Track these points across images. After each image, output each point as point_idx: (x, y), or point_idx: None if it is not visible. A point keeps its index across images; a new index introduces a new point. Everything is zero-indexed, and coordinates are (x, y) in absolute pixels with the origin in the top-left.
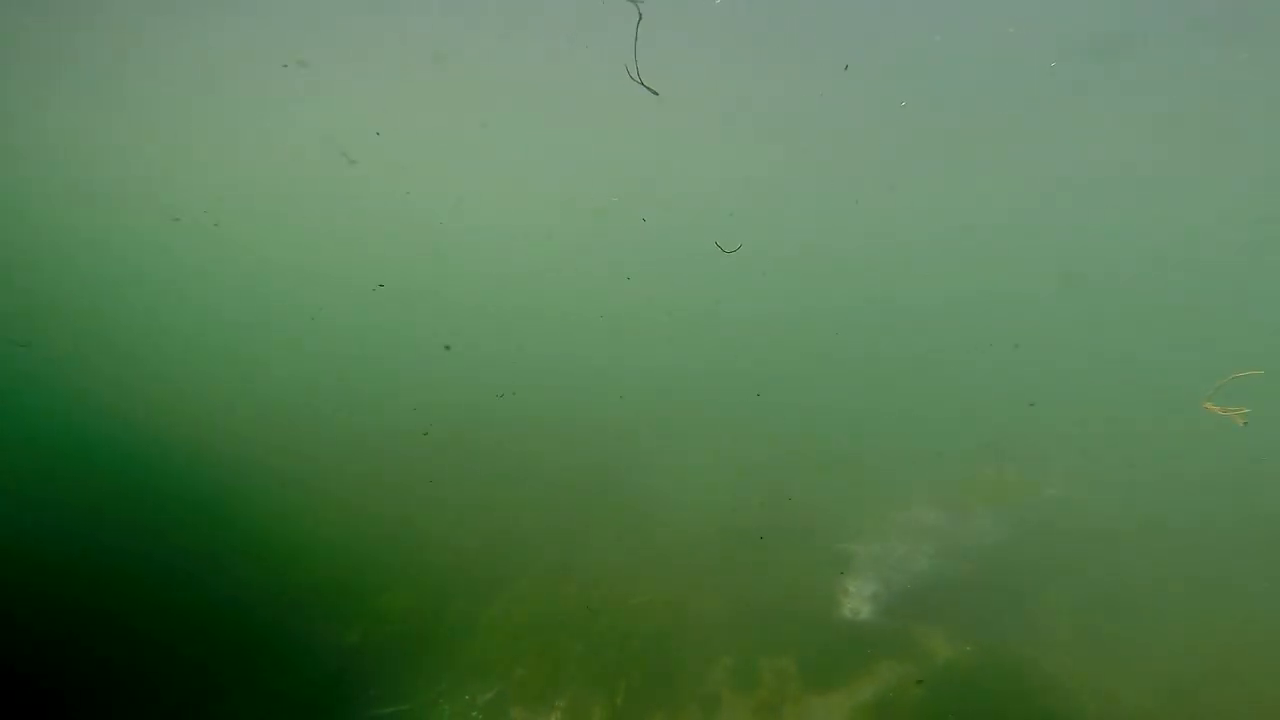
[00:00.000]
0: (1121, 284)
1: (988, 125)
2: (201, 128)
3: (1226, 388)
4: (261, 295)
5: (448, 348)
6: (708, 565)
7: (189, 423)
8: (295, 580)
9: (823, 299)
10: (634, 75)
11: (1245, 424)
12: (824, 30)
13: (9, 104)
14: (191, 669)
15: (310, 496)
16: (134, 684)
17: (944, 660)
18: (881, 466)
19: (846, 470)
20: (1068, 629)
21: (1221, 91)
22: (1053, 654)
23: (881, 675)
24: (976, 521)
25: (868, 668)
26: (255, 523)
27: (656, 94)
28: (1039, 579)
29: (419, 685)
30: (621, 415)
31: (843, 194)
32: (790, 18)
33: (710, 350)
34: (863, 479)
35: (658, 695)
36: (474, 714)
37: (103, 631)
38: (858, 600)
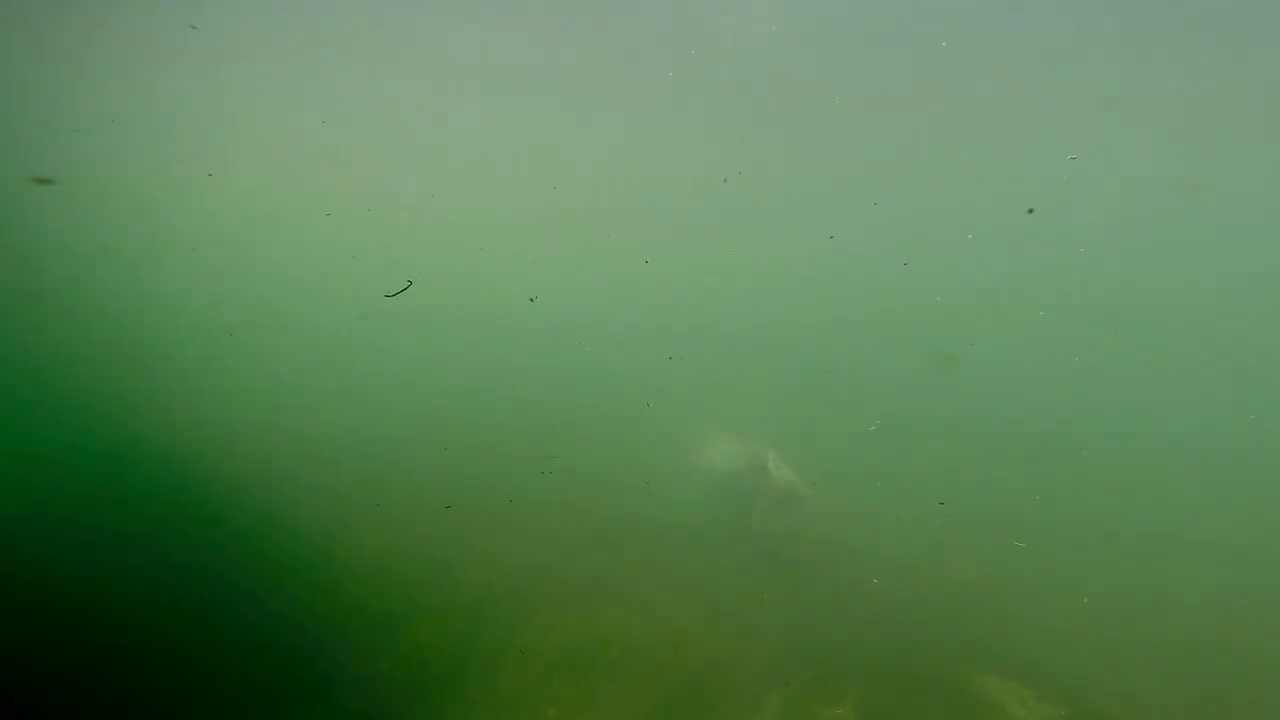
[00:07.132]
0: None
1: None
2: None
3: None
4: (291, 300)
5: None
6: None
7: (211, 438)
8: (323, 607)
9: None
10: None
11: None
12: None
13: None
14: (209, 696)
15: (340, 517)
16: (149, 716)
17: None
18: None
19: None
20: None
21: None
22: None
23: None
24: None
25: None
26: (281, 545)
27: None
28: None
29: None
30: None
31: None
32: None
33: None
34: None
35: None
36: None
37: (116, 662)
38: None
